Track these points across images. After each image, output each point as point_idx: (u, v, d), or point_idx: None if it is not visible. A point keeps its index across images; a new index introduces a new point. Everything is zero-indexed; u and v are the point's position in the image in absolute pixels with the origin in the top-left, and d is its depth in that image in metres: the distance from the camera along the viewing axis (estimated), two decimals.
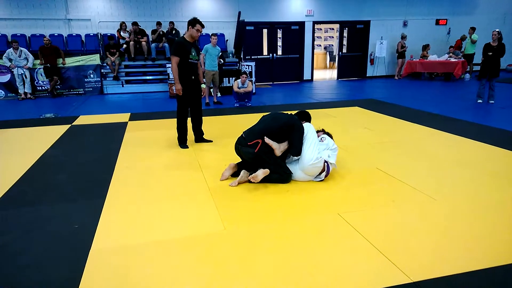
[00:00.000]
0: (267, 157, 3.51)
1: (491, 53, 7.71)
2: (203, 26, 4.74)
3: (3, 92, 9.80)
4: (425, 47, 12.94)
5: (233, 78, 9.75)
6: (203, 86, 4.93)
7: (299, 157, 3.58)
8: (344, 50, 13.69)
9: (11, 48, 9.41)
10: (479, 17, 13.88)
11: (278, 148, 3.52)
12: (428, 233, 2.60)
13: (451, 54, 12.59)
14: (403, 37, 12.88)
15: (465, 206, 3.02)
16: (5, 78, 9.73)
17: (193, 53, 4.73)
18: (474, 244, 2.45)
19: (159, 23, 10.79)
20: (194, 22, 4.66)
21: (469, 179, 3.62)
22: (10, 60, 9.46)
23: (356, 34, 13.49)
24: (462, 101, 8.30)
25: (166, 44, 10.86)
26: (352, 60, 13.79)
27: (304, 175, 3.58)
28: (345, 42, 13.62)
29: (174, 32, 10.76)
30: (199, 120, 5.06)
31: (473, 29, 12.05)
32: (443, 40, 13.98)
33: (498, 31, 7.71)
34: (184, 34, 4.85)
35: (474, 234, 2.58)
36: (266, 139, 3.47)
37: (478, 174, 3.74)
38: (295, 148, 3.54)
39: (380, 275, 2.14)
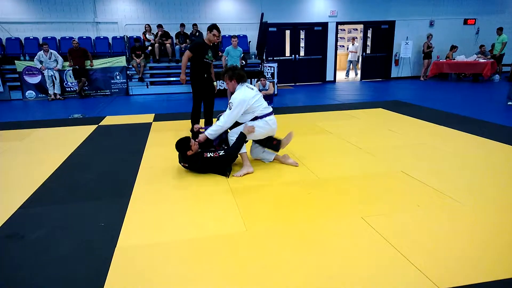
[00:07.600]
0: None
1: None
2: (219, 31, 5.38)
3: (34, 93, 10.19)
4: (452, 48, 12.59)
5: (255, 80, 9.76)
6: (215, 83, 5.72)
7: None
8: (368, 51, 13.48)
9: (42, 51, 9.77)
10: (510, 16, 13.38)
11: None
12: (455, 239, 2.52)
13: (480, 54, 12.19)
14: (429, 37, 12.58)
15: (494, 212, 2.92)
16: (36, 79, 10.11)
17: (209, 54, 5.37)
18: (505, 251, 2.36)
19: (182, 25, 10.96)
20: (211, 28, 5.33)
21: (498, 184, 3.49)
22: (41, 62, 9.83)
23: (381, 35, 13.25)
24: (491, 103, 8.03)
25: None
26: (376, 61, 13.55)
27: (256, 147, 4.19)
28: (369, 43, 13.41)
29: (197, 34, 10.90)
30: (210, 114, 5.72)
31: (500, 30, 11.65)
32: (471, 40, 13.56)
33: None
34: (204, 37, 5.52)
35: (504, 240, 2.49)
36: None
37: (508, 179, 3.60)
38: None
39: (405, 281, 2.10)
